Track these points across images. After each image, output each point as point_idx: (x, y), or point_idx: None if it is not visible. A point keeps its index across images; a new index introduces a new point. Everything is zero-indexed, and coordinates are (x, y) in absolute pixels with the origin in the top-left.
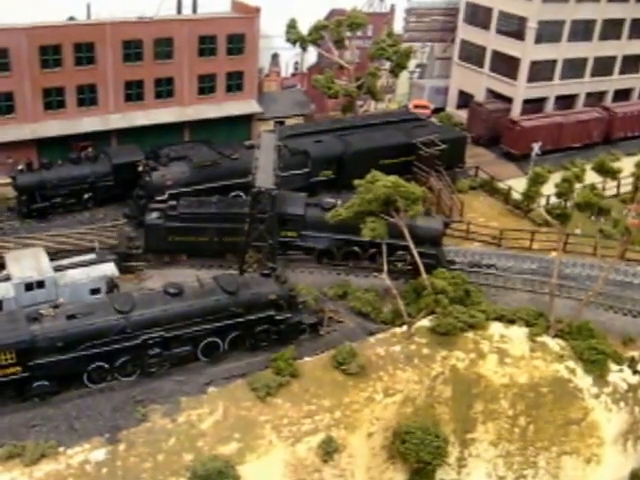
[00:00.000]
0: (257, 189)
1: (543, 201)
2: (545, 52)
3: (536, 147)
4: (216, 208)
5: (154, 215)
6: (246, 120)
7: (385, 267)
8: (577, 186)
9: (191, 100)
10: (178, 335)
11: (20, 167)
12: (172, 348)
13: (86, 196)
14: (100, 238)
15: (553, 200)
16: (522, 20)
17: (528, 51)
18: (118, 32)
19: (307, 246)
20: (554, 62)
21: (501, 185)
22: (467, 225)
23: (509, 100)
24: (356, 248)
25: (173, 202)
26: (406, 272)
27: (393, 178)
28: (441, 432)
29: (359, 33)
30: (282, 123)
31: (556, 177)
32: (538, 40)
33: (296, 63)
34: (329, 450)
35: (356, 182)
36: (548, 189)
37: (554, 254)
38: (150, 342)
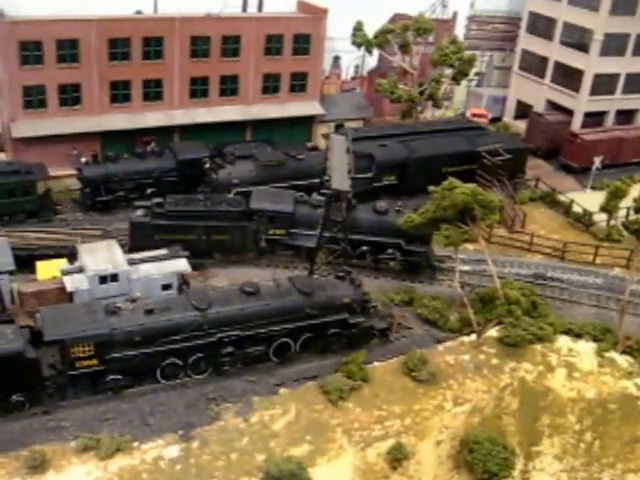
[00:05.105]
0: (333, 191)
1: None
2: (609, 65)
3: (597, 161)
4: (203, 206)
5: (139, 213)
6: (307, 121)
7: (457, 276)
8: None
9: (255, 99)
10: (252, 334)
11: (85, 159)
12: (245, 347)
13: (149, 191)
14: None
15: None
16: (587, 32)
17: (592, 64)
18: (187, 27)
19: (296, 244)
20: (617, 76)
21: (562, 198)
22: (530, 236)
23: (569, 112)
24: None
25: (159, 199)
26: (396, 270)
27: (472, 186)
28: (508, 444)
29: (420, 39)
30: (341, 126)
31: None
32: (603, 53)
33: (356, 66)
34: (398, 456)
35: (431, 188)
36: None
37: (617, 270)
38: (225, 340)
